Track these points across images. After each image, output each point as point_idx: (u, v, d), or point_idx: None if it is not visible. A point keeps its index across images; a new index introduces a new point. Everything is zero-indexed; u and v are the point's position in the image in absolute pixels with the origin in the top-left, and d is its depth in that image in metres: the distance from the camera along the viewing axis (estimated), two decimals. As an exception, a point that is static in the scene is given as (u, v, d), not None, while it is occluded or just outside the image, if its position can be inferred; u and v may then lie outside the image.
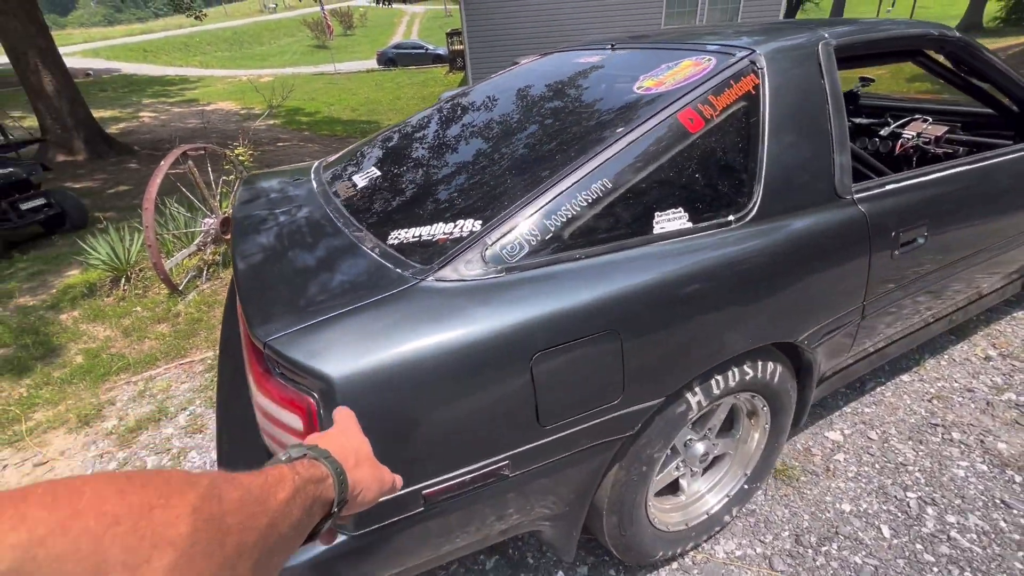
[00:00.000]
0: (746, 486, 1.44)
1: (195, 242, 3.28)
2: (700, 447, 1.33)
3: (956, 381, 2.01)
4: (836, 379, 1.60)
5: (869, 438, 1.78)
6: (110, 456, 1.97)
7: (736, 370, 1.17)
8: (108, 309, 3.11)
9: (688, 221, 1.11)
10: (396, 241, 1.07)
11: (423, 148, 1.54)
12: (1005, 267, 1.85)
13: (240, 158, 3.44)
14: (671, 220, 1.10)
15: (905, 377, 2.05)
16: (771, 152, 1.20)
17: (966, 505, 1.52)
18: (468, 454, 0.90)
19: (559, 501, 1.08)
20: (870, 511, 1.52)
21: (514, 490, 0.99)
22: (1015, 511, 1.49)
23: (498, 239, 0.99)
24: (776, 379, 1.27)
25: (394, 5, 9.26)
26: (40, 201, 4.62)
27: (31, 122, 9.68)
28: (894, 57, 1.77)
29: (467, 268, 0.96)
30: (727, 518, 1.44)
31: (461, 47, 13.45)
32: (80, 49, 30.79)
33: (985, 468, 1.64)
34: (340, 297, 0.92)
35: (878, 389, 2.00)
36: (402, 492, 0.87)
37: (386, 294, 0.91)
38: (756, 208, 1.17)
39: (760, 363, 1.21)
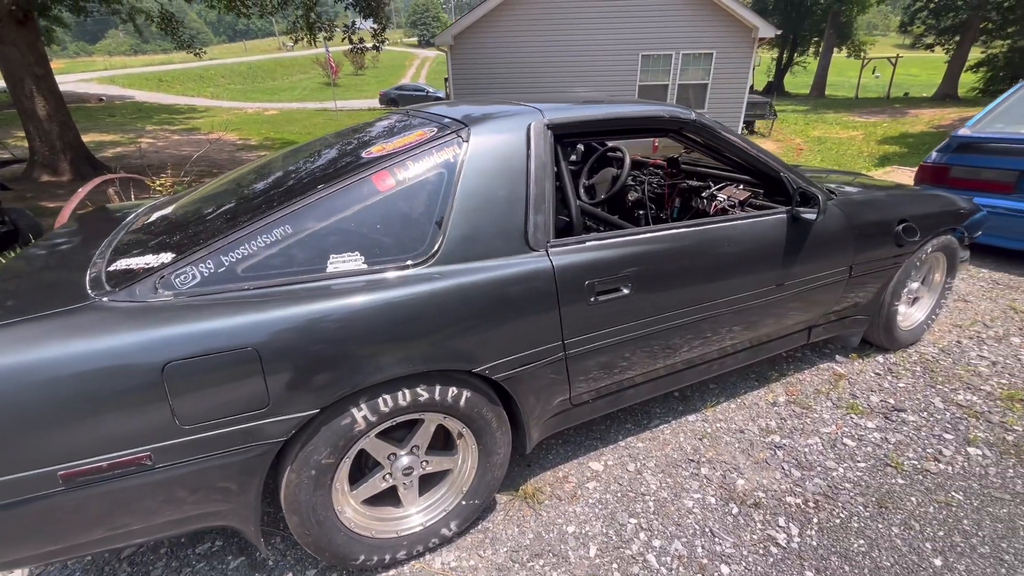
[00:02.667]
0: (464, 502, 1.61)
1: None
2: (405, 461, 1.50)
3: (735, 423, 2.18)
4: (576, 412, 1.78)
5: (626, 469, 1.94)
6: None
7: (407, 391, 1.36)
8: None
9: (364, 263, 1.33)
10: (113, 268, 1.29)
11: (210, 192, 1.78)
12: (768, 321, 2.05)
13: (159, 188, 3.72)
14: (346, 262, 1.32)
15: (691, 417, 2.23)
16: (460, 209, 1.44)
17: (677, 532, 1.68)
18: (105, 443, 1.09)
19: (225, 496, 1.25)
20: (589, 533, 1.68)
21: (167, 481, 1.17)
22: (716, 539, 1.65)
23: (175, 270, 1.21)
24: (463, 403, 1.46)
25: (373, 50, 9.96)
26: (-9, 219, 4.90)
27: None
28: (648, 133, 2.01)
29: (141, 292, 1.18)
30: (446, 531, 1.60)
31: (450, 92, 14.09)
32: (98, 76, 32.25)
33: (713, 501, 1.79)
34: (19, 309, 1.13)
35: (660, 426, 2.17)
36: (37, 472, 1.06)
37: (60, 309, 1.12)
38: (438, 255, 1.39)
39: (439, 387, 1.40)
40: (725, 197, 2.35)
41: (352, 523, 1.45)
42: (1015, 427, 2.09)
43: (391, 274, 1.34)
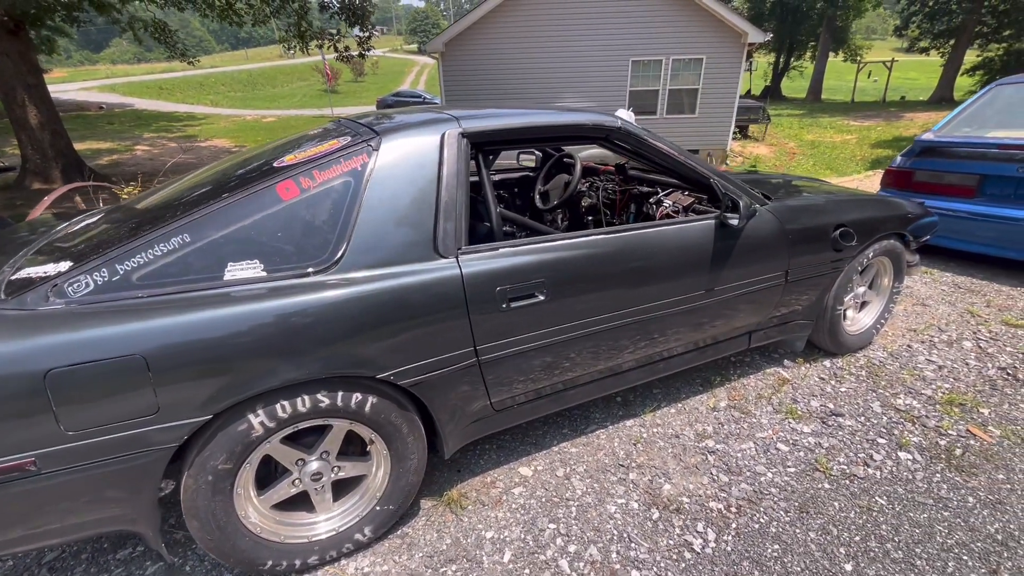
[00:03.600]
0: (378, 508, 1.62)
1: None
2: (314, 466, 1.51)
3: (672, 427, 2.19)
4: (501, 417, 1.80)
5: (555, 475, 1.95)
6: None
7: (307, 397, 1.38)
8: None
9: (262, 271, 1.35)
10: (16, 276, 1.32)
11: (134, 202, 1.81)
12: (700, 327, 2.06)
13: (126, 196, 3.76)
14: (244, 269, 1.34)
15: (629, 421, 2.23)
16: (365, 217, 1.46)
17: (595, 538, 1.68)
18: (-14, 449, 1.11)
19: (119, 501, 1.27)
20: (507, 538, 1.68)
21: (56, 487, 1.19)
22: (632, 544, 1.65)
23: (69, 278, 1.23)
24: (369, 409, 1.47)
25: (359, 58, 9.96)
26: (-29, 226, 4.97)
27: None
28: (575, 141, 2.02)
29: (33, 300, 1.20)
30: (360, 537, 1.61)
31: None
32: (99, 84, 32.55)
33: (636, 506, 1.80)
34: None
35: (597, 431, 2.18)
36: (-83, 477, 1.08)
37: None
38: (341, 262, 1.41)
39: (341, 393, 1.42)
40: (671, 203, 2.37)
41: (259, 528, 1.46)
42: (949, 432, 2.09)
43: (289, 281, 1.36)
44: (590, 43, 12.23)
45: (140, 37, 16.08)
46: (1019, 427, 2.10)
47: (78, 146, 15.60)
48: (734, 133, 16.24)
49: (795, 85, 36.09)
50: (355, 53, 9.96)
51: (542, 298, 1.65)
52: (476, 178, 1.95)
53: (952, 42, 22.06)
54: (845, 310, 2.64)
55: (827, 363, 2.61)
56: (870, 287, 2.70)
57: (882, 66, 24.25)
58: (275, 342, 1.30)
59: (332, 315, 1.36)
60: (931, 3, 22.31)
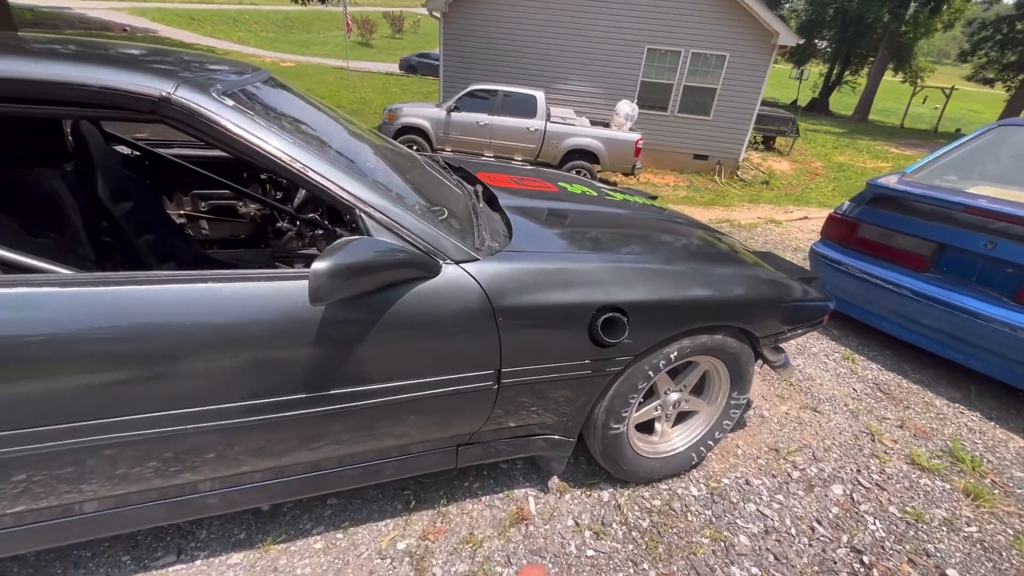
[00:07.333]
0: None
1: None
2: None
3: (291, 574, 1.42)
4: None
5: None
6: None
7: None
8: None
9: None
10: None
11: None
12: (319, 443, 1.28)
13: None
14: None
15: (238, 555, 1.47)
16: None
17: None
18: None
19: None
20: None
21: None
22: None
23: None
24: None
25: (325, 6, 9.17)
26: None
27: None
28: (102, 111, 1.17)
29: None
30: None
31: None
32: (130, 6, 32.22)
33: None
34: None
35: (171, 567, 1.42)
36: None
37: None
38: None
39: None
40: None
41: None
42: (696, 677, 1.28)
43: None
44: (604, 23, 11.21)
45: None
46: None
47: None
48: (757, 144, 14.99)
49: (847, 100, 33.76)
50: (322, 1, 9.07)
51: None
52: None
53: (1022, 77, 19.91)
54: (651, 421, 1.81)
55: (606, 495, 1.79)
56: (699, 392, 1.86)
57: (940, 92, 22.19)
58: None
59: None
60: (1005, 30, 20.04)
